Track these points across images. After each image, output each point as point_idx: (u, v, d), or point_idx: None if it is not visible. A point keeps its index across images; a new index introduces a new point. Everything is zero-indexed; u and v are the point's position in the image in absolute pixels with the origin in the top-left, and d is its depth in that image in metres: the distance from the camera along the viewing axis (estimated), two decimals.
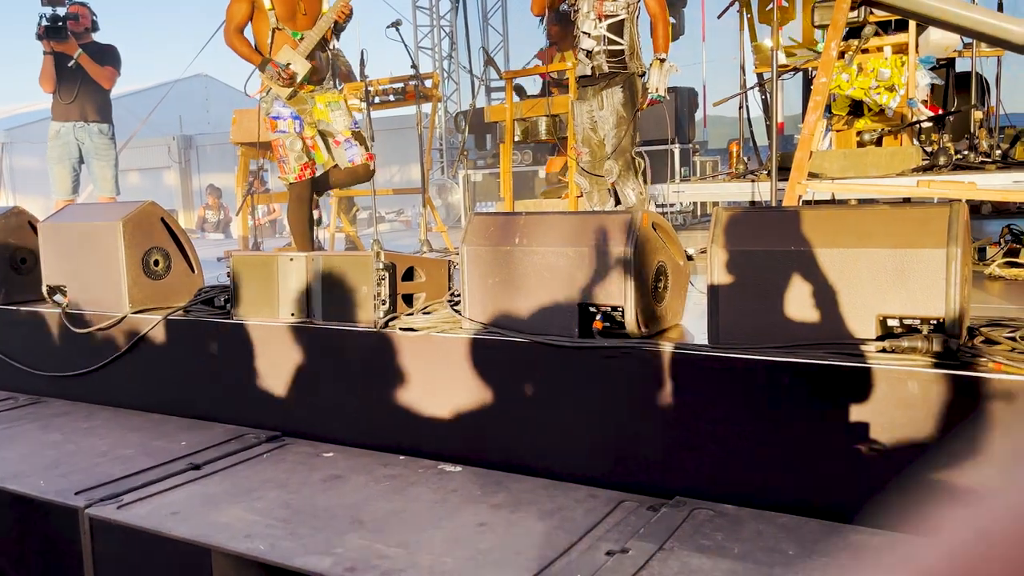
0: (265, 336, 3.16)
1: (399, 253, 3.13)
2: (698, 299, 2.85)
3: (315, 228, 4.73)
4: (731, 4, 5.24)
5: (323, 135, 4.25)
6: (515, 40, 12.16)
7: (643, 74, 3.84)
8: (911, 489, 2.06)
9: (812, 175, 4.31)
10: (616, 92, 3.75)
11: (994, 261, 3.66)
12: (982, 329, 2.25)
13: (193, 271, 3.78)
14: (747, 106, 5.80)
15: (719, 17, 5.29)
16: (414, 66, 5.42)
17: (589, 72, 3.83)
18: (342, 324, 3.00)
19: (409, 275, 3.12)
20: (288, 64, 4.01)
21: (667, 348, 2.43)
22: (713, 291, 2.44)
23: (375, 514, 2.28)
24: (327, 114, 4.17)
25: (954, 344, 2.07)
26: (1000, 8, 5.67)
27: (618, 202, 4.73)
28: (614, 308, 2.60)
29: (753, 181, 4.75)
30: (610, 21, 3.73)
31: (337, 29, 4.13)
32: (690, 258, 3.79)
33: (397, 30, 5.28)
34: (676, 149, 7.77)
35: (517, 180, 8.36)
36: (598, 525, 2.15)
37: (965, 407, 1.99)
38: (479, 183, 9.12)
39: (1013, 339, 2.14)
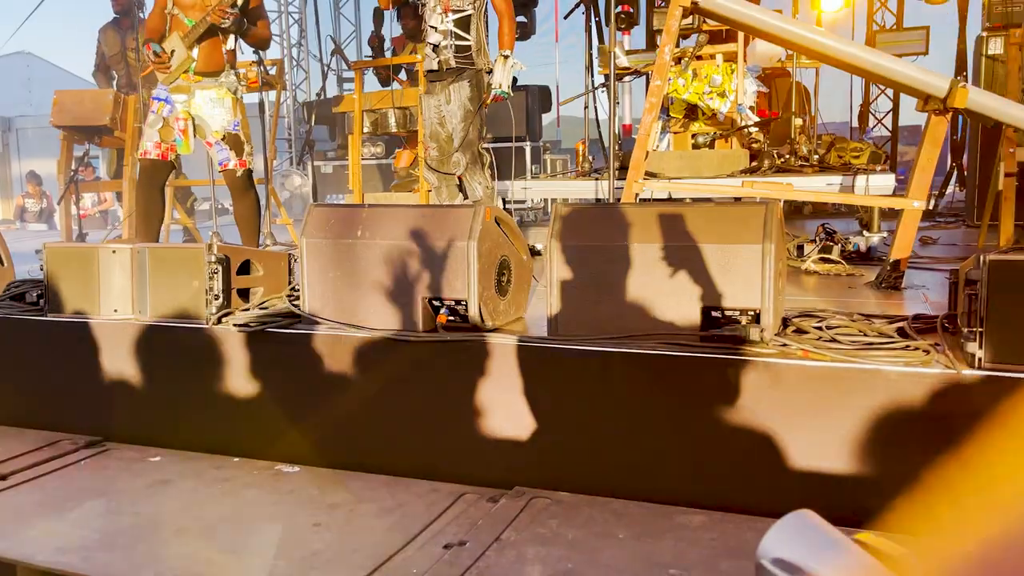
0: (85, 334, 2.93)
1: (235, 246, 2.99)
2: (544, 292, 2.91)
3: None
4: (577, 5, 5.40)
5: (198, 128, 4.08)
6: (368, 30, 11.97)
7: (490, 71, 3.88)
8: (733, 467, 2.19)
9: (651, 175, 4.51)
10: (463, 87, 3.76)
11: (810, 257, 3.97)
12: (795, 320, 2.43)
13: (2, 264, 3.45)
14: (595, 107, 5.98)
15: (565, 17, 5.44)
16: (257, 52, 5.19)
17: (436, 67, 3.81)
18: (172, 320, 2.84)
19: (245, 268, 2.99)
20: (173, 51, 3.92)
21: (508, 340, 2.47)
22: (552, 284, 2.50)
23: (204, 519, 2.17)
24: (203, 111, 3.99)
25: (768, 334, 2.23)
26: None
27: (467, 197, 4.74)
28: (458, 302, 2.60)
29: (597, 179, 4.90)
30: (457, 16, 3.73)
31: (238, 30, 3.97)
32: (537, 253, 3.87)
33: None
34: (527, 146, 7.90)
35: (371, 173, 8.22)
36: (438, 519, 2.15)
37: (779, 389, 2.14)
38: (329, 175, 8.89)
39: (820, 329, 2.32)
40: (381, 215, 2.73)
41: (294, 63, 10.78)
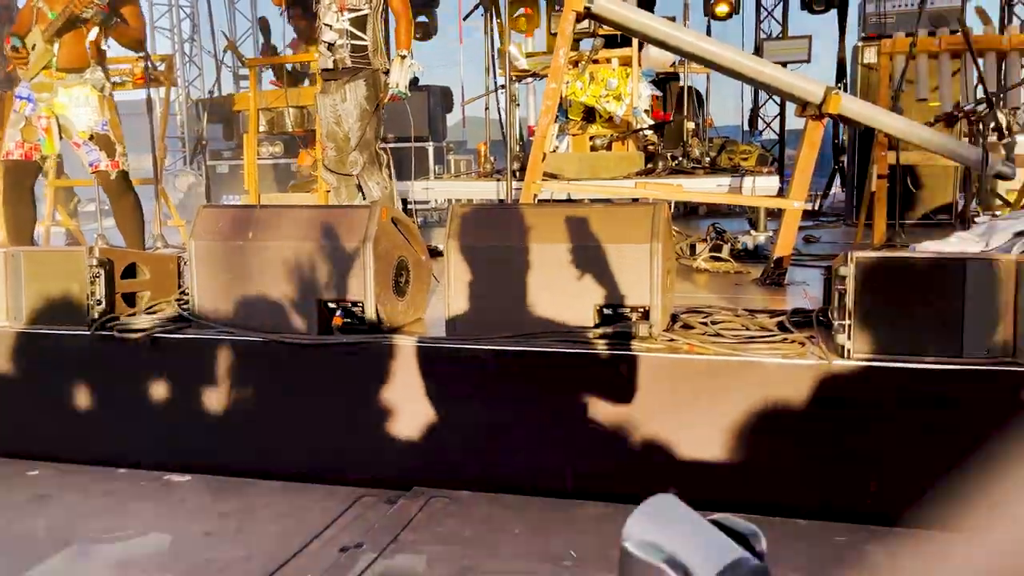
0: None
1: (119, 248, 2.88)
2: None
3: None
4: (476, 7, 5.43)
5: (61, 127, 3.86)
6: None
7: (387, 71, 3.85)
8: (625, 458, 2.26)
9: (551, 176, 4.59)
10: (359, 86, 3.71)
11: (701, 256, 4.12)
12: (683, 316, 2.53)
13: None
14: (497, 108, 6.03)
15: (465, 19, 5.46)
16: (144, 48, 4.99)
17: (331, 65, 3.74)
18: (50, 328, 2.70)
19: (131, 272, 2.87)
20: (34, 45, 3.72)
21: (405, 341, 2.47)
22: (450, 285, 2.51)
23: (88, 534, 2.08)
24: (67, 109, 3.79)
25: (657, 330, 2.31)
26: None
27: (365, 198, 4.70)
28: (355, 303, 2.58)
29: (498, 180, 4.95)
30: (353, 15, 3.68)
31: (102, 23, 3.74)
32: (440, 253, 3.87)
33: None
34: (430, 147, 7.88)
35: (268, 173, 8.01)
36: (334, 523, 2.13)
37: (667, 382, 2.22)
38: (225, 175, 8.63)
39: (705, 324, 2.42)
40: (274, 216, 2.68)
41: (187, 59, 10.40)
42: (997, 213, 3.60)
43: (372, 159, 3.69)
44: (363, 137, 3.63)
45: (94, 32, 3.80)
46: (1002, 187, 4.17)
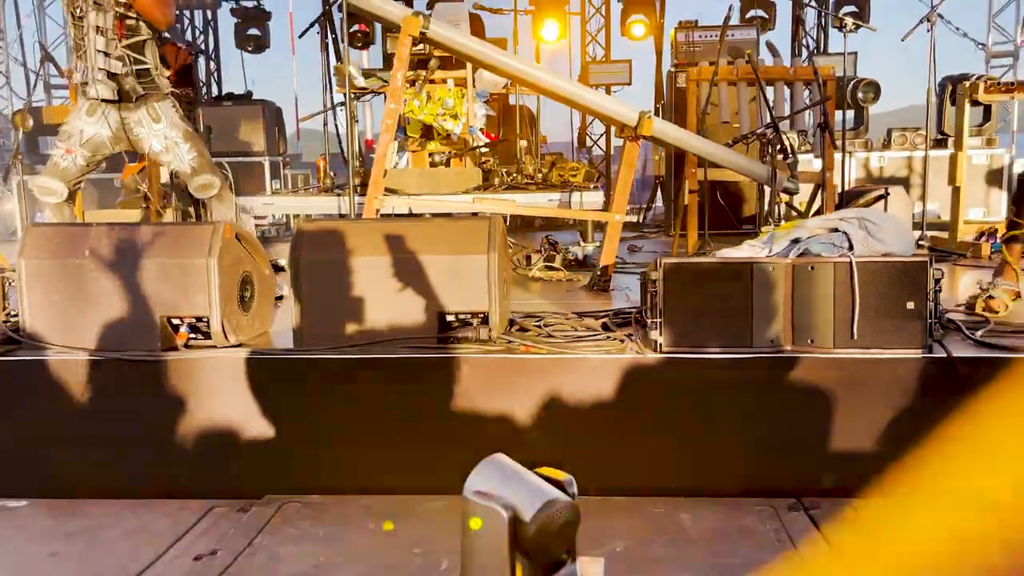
0: None
1: None
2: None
3: None
4: (312, 24, 5.49)
5: None
6: None
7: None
8: (468, 455, 2.44)
9: (392, 191, 4.72)
10: (167, 105, 3.41)
11: (536, 266, 4.40)
12: (519, 320, 2.75)
13: None
14: (335, 123, 6.07)
15: (300, 36, 5.49)
16: None
17: (111, 96, 3.33)
18: None
19: None
20: None
21: (252, 354, 2.53)
22: (297, 297, 2.60)
23: None
24: None
25: (495, 333, 2.51)
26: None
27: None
28: (199, 319, 2.61)
29: (339, 195, 5.01)
30: (131, 40, 3.31)
31: None
32: (281, 268, 3.89)
33: None
34: (266, 161, 7.78)
35: (93, 190, 7.59)
36: (187, 534, 2.16)
37: (509, 379, 2.43)
38: None
39: (539, 327, 2.66)
40: (111, 234, 2.65)
41: None
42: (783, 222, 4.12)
43: (224, 179, 3.53)
44: (206, 157, 3.49)
45: None
46: (796, 199, 4.75)
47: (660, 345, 2.38)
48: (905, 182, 6.60)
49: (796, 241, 2.64)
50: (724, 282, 2.34)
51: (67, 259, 2.59)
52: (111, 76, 3.26)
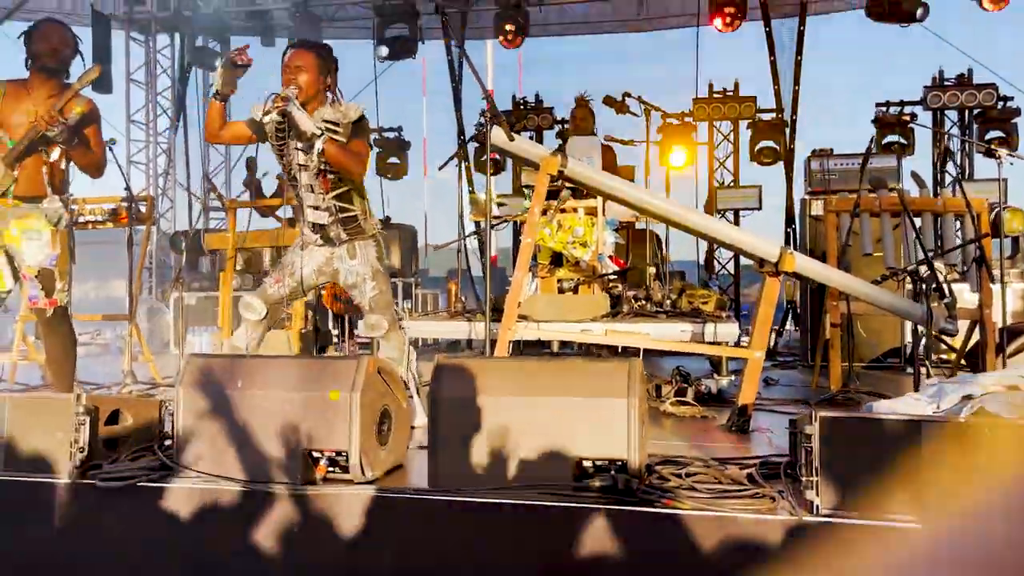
0: None
1: (104, 395, 2.92)
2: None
3: None
4: (450, 159, 5.77)
5: (12, 259, 3.71)
6: (238, 157, 12.08)
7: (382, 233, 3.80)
8: None
9: (522, 317, 4.76)
10: (368, 246, 3.57)
11: (667, 399, 4.27)
12: (657, 467, 2.63)
13: None
14: (466, 249, 6.28)
15: (440, 169, 5.78)
16: (128, 188, 5.18)
17: (323, 243, 3.58)
18: (30, 475, 2.69)
19: (114, 418, 2.90)
20: None
21: (386, 492, 2.52)
22: (433, 435, 2.60)
23: None
24: (19, 241, 3.63)
25: (635, 483, 2.41)
26: None
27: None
28: (338, 452, 2.64)
29: (469, 321, 5.10)
30: (337, 191, 3.47)
31: (66, 141, 3.56)
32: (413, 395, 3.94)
33: (110, 149, 5.00)
34: (399, 282, 8.09)
35: (237, 307, 8.08)
36: None
37: (645, 537, 2.30)
38: (192, 306, 8.67)
39: (680, 476, 2.53)
40: (263, 366, 2.77)
41: (160, 192, 10.64)
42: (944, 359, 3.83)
43: (393, 321, 3.66)
44: (384, 298, 3.60)
45: (55, 153, 3.66)
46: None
47: (817, 507, 2.20)
48: None
49: (968, 397, 2.43)
50: (891, 441, 2.16)
51: (221, 389, 2.71)
52: (319, 227, 3.52)
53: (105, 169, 3.97)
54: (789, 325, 8.24)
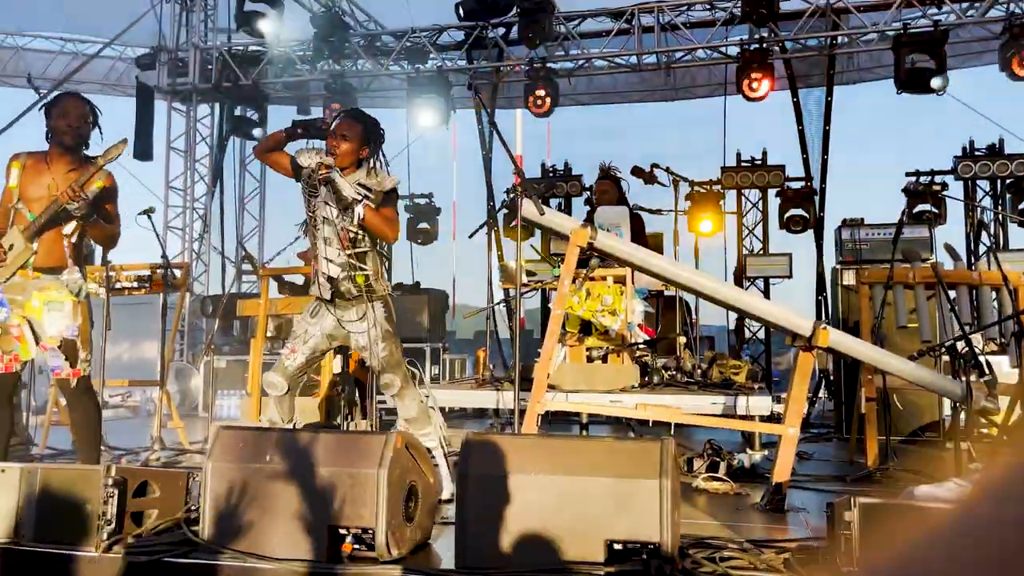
0: None
1: (132, 467, 2.92)
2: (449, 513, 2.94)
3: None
4: (481, 226, 5.82)
5: (34, 329, 3.70)
6: (271, 224, 12.30)
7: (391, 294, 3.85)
8: None
9: (549, 386, 4.72)
10: (377, 307, 3.61)
11: (699, 474, 4.17)
12: (690, 550, 2.56)
13: None
14: (494, 316, 6.29)
15: (471, 237, 5.82)
16: (164, 255, 5.28)
17: (330, 296, 3.60)
18: (58, 547, 2.69)
19: (142, 490, 2.90)
20: (11, 245, 3.62)
21: (412, 572, 2.47)
22: (460, 513, 2.55)
23: None
24: (40, 313, 3.64)
25: (668, 568, 2.34)
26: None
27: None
28: (365, 530, 2.61)
29: (497, 390, 5.07)
30: (355, 251, 3.54)
31: (84, 217, 3.60)
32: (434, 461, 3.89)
33: (149, 217, 5.14)
34: (427, 348, 8.09)
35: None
36: None
37: None
38: (222, 369, 8.74)
39: (714, 561, 2.46)
40: (291, 440, 2.76)
41: (195, 256, 10.85)
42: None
43: (406, 378, 3.68)
44: (393, 358, 3.64)
45: (70, 227, 3.68)
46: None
47: None
48: None
49: None
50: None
51: (249, 463, 2.70)
52: (331, 280, 3.59)
53: (119, 241, 4.00)
54: (823, 394, 8.08)
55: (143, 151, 9.89)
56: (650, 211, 6.77)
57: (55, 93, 3.74)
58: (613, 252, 3.69)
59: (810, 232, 8.86)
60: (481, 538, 2.52)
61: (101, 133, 3.87)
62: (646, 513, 2.41)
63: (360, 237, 3.56)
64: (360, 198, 3.45)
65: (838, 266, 6.62)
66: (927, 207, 7.87)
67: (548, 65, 9.11)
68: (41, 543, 2.71)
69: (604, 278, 5.61)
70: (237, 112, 10.48)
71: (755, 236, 9.05)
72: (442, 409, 6.46)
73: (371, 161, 3.65)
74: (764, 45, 8.57)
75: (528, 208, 3.52)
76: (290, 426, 3.67)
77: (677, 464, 2.58)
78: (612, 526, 2.43)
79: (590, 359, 5.62)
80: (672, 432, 5.56)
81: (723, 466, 4.28)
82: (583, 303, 5.52)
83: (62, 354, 3.66)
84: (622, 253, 3.66)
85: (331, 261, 3.58)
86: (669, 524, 2.38)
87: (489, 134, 10.08)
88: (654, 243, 6.99)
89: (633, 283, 5.54)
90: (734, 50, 8.81)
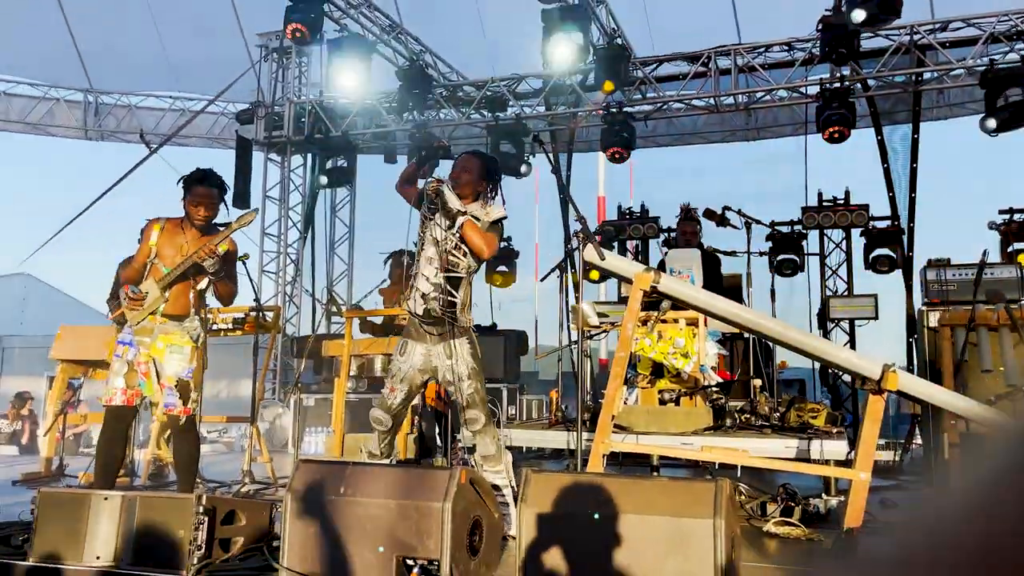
0: None
1: (221, 496, 3.15)
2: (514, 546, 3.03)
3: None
4: (553, 270, 5.97)
5: (158, 370, 4.10)
6: (359, 267, 12.81)
7: (475, 326, 4.05)
8: None
9: (621, 427, 4.77)
10: (463, 344, 3.79)
11: (772, 518, 4.13)
12: None
13: None
14: (571, 358, 6.38)
15: (542, 280, 5.98)
16: (256, 299, 5.63)
17: (421, 312, 3.81)
18: (153, 571, 2.92)
19: (229, 518, 3.12)
20: (146, 292, 4.04)
21: None
22: (522, 550, 2.65)
23: None
24: (163, 354, 4.03)
25: None
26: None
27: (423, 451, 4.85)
28: (431, 562, 2.74)
29: (568, 430, 5.15)
30: (449, 275, 3.77)
31: (214, 273, 4.01)
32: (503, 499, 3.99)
33: (244, 264, 5.48)
34: (504, 388, 8.23)
35: (356, 409, 8.43)
36: None
37: None
38: (310, 408, 9.10)
39: None
40: (364, 474, 2.93)
41: (287, 298, 11.39)
42: None
43: (489, 416, 3.83)
44: (479, 395, 3.78)
45: (204, 282, 4.10)
46: None
47: None
48: None
49: None
50: None
51: (326, 496, 2.89)
52: (424, 296, 3.82)
53: (235, 298, 4.45)
54: (918, 439, 7.77)
55: (241, 199, 10.51)
56: (726, 253, 6.77)
57: (195, 176, 4.15)
58: (677, 296, 3.76)
59: (898, 273, 8.63)
60: (539, 572, 2.61)
61: (228, 208, 4.29)
62: (700, 552, 2.45)
63: (458, 265, 3.80)
64: (464, 210, 3.75)
65: (924, 308, 6.44)
66: (1021, 245, 7.55)
67: (625, 109, 9.28)
68: (138, 567, 2.95)
69: (676, 320, 5.64)
70: (328, 164, 11.03)
71: (839, 277, 8.86)
72: (520, 449, 6.58)
73: (488, 195, 3.97)
74: (845, 84, 8.49)
75: (590, 253, 3.64)
76: (385, 461, 3.89)
77: (734, 503, 2.62)
78: (666, 566, 2.48)
79: (663, 401, 5.63)
80: (745, 475, 5.50)
81: (797, 511, 4.21)
82: (655, 345, 5.55)
83: (177, 392, 4.03)
84: (686, 296, 3.73)
85: (427, 279, 3.83)
86: (723, 563, 2.42)
87: (565, 177, 10.27)
88: (731, 285, 6.96)
89: (706, 325, 5.56)
90: (814, 89, 8.75)
